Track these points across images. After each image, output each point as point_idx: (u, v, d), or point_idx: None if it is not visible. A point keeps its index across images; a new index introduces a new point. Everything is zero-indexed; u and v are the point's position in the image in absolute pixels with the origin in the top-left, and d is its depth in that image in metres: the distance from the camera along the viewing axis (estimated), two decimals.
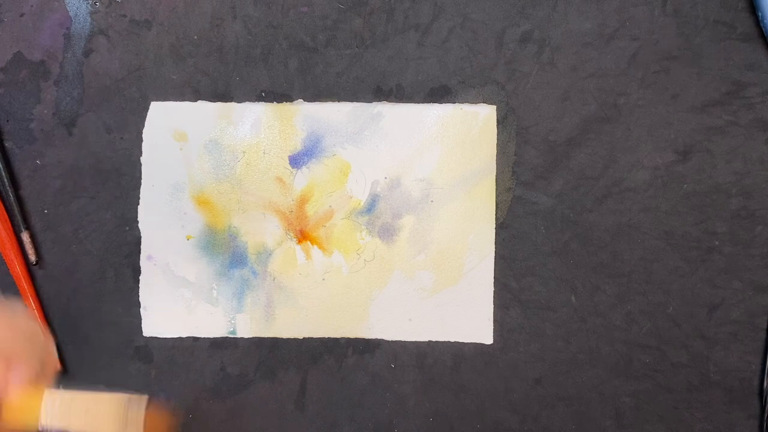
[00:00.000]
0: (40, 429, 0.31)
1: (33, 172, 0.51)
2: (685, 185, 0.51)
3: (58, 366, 0.33)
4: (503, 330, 0.51)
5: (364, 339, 0.51)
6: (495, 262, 0.51)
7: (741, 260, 0.50)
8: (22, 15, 0.51)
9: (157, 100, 0.51)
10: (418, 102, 0.51)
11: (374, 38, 0.51)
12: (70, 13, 0.51)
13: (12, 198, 0.50)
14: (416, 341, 0.51)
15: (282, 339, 0.51)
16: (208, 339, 0.51)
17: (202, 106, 0.51)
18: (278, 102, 0.51)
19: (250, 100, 0.51)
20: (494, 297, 0.51)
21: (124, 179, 0.51)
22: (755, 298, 0.50)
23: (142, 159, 0.51)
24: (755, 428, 0.51)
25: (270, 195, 0.51)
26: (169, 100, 0.51)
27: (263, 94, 0.51)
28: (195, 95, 0.51)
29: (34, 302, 0.50)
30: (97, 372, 0.49)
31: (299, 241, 0.51)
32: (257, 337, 0.51)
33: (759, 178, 0.50)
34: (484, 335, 0.51)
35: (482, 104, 0.51)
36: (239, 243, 0.51)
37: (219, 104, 0.51)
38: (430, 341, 0.51)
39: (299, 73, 0.51)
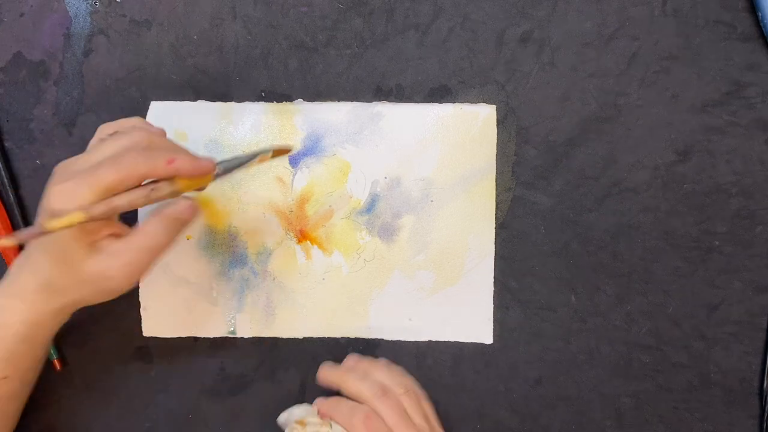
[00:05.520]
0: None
1: (33, 172, 0.51)
2: (685, 185, 0.51)
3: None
4: (503, 330, 0.51)
5: (363, 339, 0.51)
6: (495, 262, 0.51)
7: (741, 260, 0.50)
8: (22, 15, 0.51)
9: (157, 100, 0.51)
10: (418, 102, 0.51)
11: (374, 38, 0.51)
12: (70, 13, 0.51)
13: (12, 198, 0.50)
14: (416, 341, 0.51)
15: (282, 339, 0.51)
16: (208, 339, 0.51)
17: (202, 105, 0.51)
18: (278, 102, 0.51)
19: (250, 100, 0.51)
20: (494, 297, 0.51)
21: None
22: (755, 298, 0.50)
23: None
24: (755, 428, 0.51)
25: (270, 195, 0.51)
26: (169, 100, 0.51)
27: (263, 94, 0.51)
28: (195, 95, 0.51)
29: None
30: (97, 372, 0.49)
31: (299, 241, 0.51)
32: (257, 337, 0.51)
33: (759, 178, 0.50)
34: (484, 335, 0.51)
35: (482, 104, 0.51)
36: (239, 243, 0.51)
37: (219, 104, 0.51)
38: (430, 341, 0.51)
39: (299, 73, 0.51)
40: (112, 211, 0.35)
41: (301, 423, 0.45)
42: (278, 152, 0.43)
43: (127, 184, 0.35)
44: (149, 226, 0.38)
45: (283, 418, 0.47)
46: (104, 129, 0.41)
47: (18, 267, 0.40)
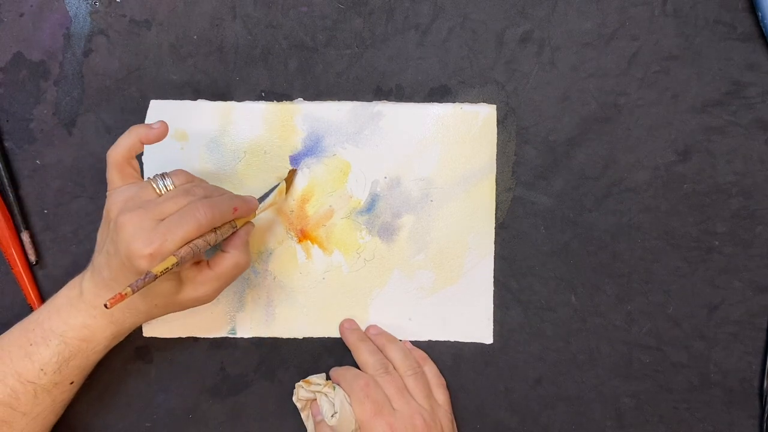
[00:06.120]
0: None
1: (33, 172, 0.51)
2: (685, 185, 0.51)
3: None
4: (503, 330, 0.51)
5: None
6: (495, 262, 0.51)
7: (741, 260, 0.50)
8: (22, 15, 0.51)
9: (156, 99, 0.51)
10: (418, 102, 0.51)
11: (374, 38, 0.51)
12: (70, 13, 0.51)
13: (12, 198, 0.50)
14: (416, 341, 0.51)
15: (282, 339, 0.51)
16: (208, 339, 0.51)
17: (203, 105, 0.51)
18: (278, 102, 0.51)
19: (250, 100, 0.51)
20: (494, 297, 0.51)
21: None
22: (755, 298, 0.50)
23: (143, 159, 0.51)
24: (755, 428, 0.51)
25: (270, 194, 0.51)
26: (169, 99, 0.51)
27: (263, 93, 0.51)
28: (195, 95, 0.51)
29: (34, 302, 0.50)
30: (97, 371, 0.49)
31: (300, 241, 0.51)
32: (257, 337, 0.51)
33: (759, 178, 0.50)
34: (484, 335, 0.51)
35: (482, 104, 0.51)
36: None
37: (219, 103, 0.51)
38: (430, 341, 0.51)
39: (299, 73, 0.51)
40: (194, 252, 0.41)
41: (307, 382, 0.49)
42: (289, 177, 0.50)
43: (203, 232, 0.42)
44: (233, 253, 0.45)
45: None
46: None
47: (103, 290, 0.44)
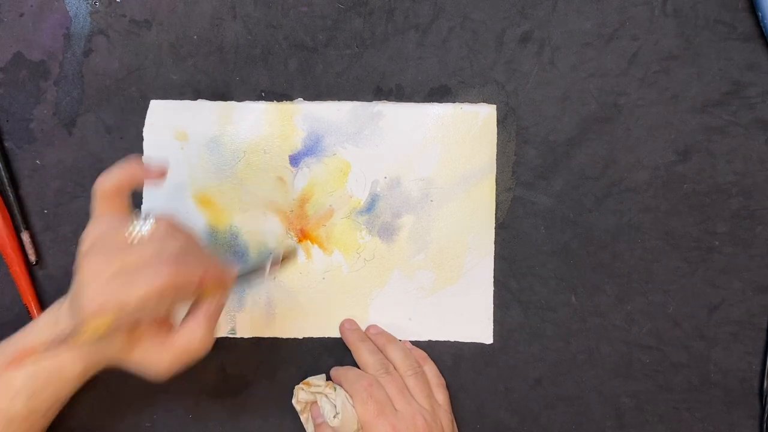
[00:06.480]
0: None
1: (33, 172, 0.51)
2: (685, 185, 0.51)
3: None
4: (503, 330, 0.51)
5: None
6: (495, 262, 0.51)
7: (741, 260, 0.50)
8: (22, 15, 0.51)
9: (156, 99, 0.51)
10: (418, 102, 0.51)
11: (374, 38, 0.51)
12: (70, 13, 0.51)
13: (12, 198, 0.50)
14: (416, 341, 0.51)
15: (282, 339, 0.51)
16: None
17: (202, 105, 0.51)
18: (278, 101, 0.51)
19: (250, 100, 0.51)
20: (494, 297, 0.51)
21: None
22: (755, 298, 0.50)
23: (143, 158, 0.51)
24: (755, 428, 0.51)
25: (271, 194, 0.51)
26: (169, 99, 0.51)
27: (263, 93, 0.51)
28: (195, 95, 0.51)
29: (34, 302, 0.50)
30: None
31: (300, 240, 0.51)
32: (257, 337, 0.51)
33: (759, 178, 0.50)
34: (484, 335, 0.51)
35: (482, 104, 0.51)
36: (240, 242, 0.51)
37: (219, 103, 0.51)
38: (430, 341, 0.51)
39: (299, 73, 0.51)
40: (145, 313, 0.38)
41: (307, 384, 0.49)
42: (286, 257, 0.46)
43: (163, 296, 0.38)
44: (191, 328, 0.41)
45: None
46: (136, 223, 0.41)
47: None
